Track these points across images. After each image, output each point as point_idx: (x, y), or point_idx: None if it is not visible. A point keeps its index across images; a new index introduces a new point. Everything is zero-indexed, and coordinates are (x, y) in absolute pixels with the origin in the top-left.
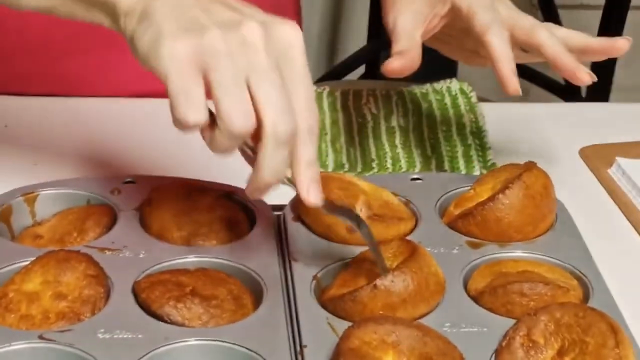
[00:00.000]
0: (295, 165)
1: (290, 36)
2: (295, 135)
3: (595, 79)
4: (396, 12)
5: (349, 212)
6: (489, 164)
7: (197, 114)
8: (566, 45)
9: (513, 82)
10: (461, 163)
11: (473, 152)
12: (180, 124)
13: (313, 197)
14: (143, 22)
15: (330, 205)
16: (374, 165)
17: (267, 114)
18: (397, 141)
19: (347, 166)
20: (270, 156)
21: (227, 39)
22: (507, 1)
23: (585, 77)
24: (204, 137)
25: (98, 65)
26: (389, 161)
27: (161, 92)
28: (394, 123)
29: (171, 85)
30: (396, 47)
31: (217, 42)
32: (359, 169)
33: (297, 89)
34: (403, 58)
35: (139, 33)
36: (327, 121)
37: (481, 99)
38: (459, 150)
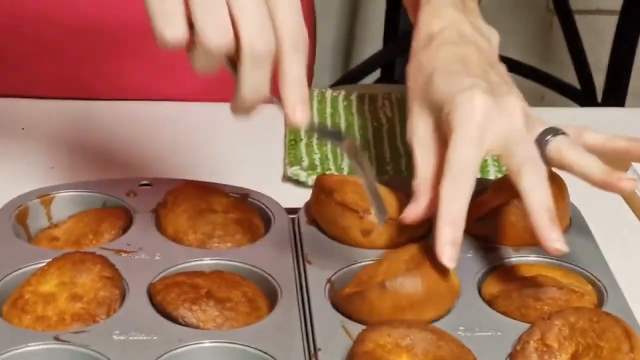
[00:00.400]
0: (281, 83)
1: None
2: (279, 53)
3: None
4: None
5: (338, 135)
6: (503, 167)
7: (174, 30)
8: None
9: (551, 238)
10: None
11: (488, 156)
12: (159, 41)
13: (299, 116)
14: None
15: (319, 127)
16: (389, 169)
17: (243, 30)
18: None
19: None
20: (249, 75)
21: None
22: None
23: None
24: (188, 55)
25: (113, 70)
26: (404, 165)
27: (176, 96)
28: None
29: (150, 3)
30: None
31: None
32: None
33: (279, 3)
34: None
35: None
36: (343, 124)
37: None
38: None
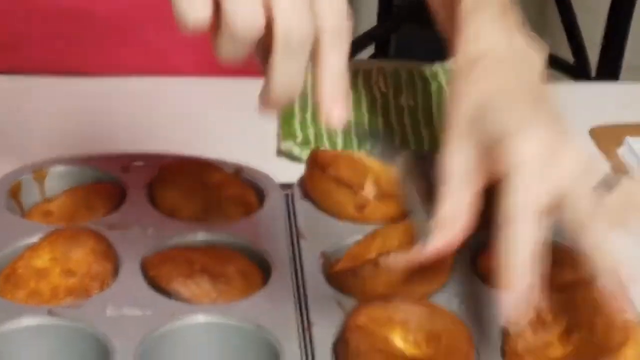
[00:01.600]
0: (317, 76)
1: None
2: (319, 41)
3: None
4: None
5: (376, 133)
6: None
7: (198, 11)
8: None
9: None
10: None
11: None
12: (180, 23)
13: (336, 116)
14: None
15: (365, 132)
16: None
17: (279, 13)
18: (406, 121)
19: (355, 144)
20: (281, 65)
21: None
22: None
23: None
24: (211, 41)
25: (106, 49)
26: (399, 140)
27: (169, 71)
28: (403, 102)
29: None
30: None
31: None
32: (367, 147)
33: None
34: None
35: None
36: None
37: None
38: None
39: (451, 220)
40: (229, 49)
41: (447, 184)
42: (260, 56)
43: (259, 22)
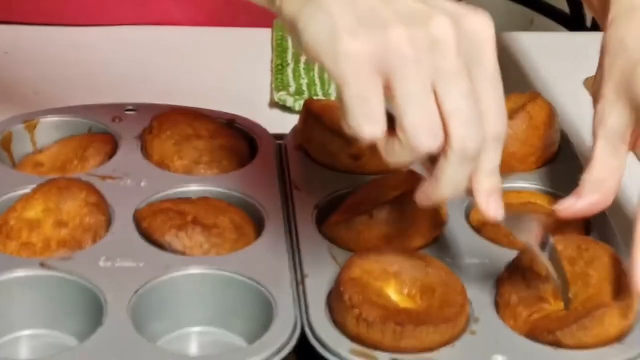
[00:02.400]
0: (477, 174)
1: (482, 32)
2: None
3: None
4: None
5: (533, 224)
6: None
7: (374, 126)
8: None
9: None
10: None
11: None
12: (354, 132)
13: (493, 209)
14: (309, 5)
15: (512, 218)
16: None
17: (456, 127)
18: None
19: None
20: (454, 172)
21: (414, 39)
22: None
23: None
24: (378, 145)
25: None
26: None
27: (162, 21)
28: None
29: (348, 90)
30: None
31: (403, 43)
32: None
33: (487, 92)
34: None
35: (306, 19)
36: None
37: None
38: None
39: (601, 184)
40: (404, 159)
41: (597, 142)
42: (425, 158)
43: (441, 139)
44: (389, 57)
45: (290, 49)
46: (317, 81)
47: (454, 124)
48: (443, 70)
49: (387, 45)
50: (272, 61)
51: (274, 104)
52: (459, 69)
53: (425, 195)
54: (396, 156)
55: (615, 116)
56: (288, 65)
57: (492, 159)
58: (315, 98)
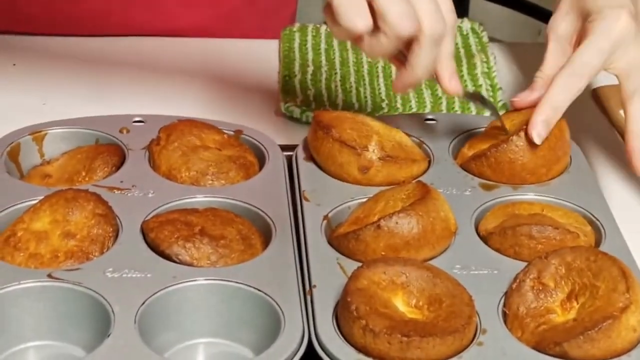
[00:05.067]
0: (440, 59)
1: None
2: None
3: None
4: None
5: (478, 96)
6: (499, 104)
7: (364, 21)
8: None
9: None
10: (472, 104)
11: (484, 93)
12: (347, 30)
13: (454, 86)
14: None
15: (464, 93)
16: (383, 105)
17: (426, 17)
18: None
19: (356, 106)
20: (426, 54)
21: None
22: None
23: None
24: (361, 43)
25: (105, 5)
26: (399, 101)
27: (167, 31)
28: None
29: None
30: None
31: None
32: (368, 109)
33: None
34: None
35: None
36: (337, 60)
37: (492, 39)
38: (470, 90)
39: (542, 82)
40: (388, 48)
41: (548, 45)
42: (403, 46)
43: (418, 24)
44: None
45: (298, 60)
46: (324, 92)
47: (425, 14)
48: None
49: None
50: (279, 72)
51: (281, 115)
52: None
53: (402, 82)
54: (381, 47)
55: (566, 23)
56: (295, 76)
57: (450, 44)
58: (323, 109)
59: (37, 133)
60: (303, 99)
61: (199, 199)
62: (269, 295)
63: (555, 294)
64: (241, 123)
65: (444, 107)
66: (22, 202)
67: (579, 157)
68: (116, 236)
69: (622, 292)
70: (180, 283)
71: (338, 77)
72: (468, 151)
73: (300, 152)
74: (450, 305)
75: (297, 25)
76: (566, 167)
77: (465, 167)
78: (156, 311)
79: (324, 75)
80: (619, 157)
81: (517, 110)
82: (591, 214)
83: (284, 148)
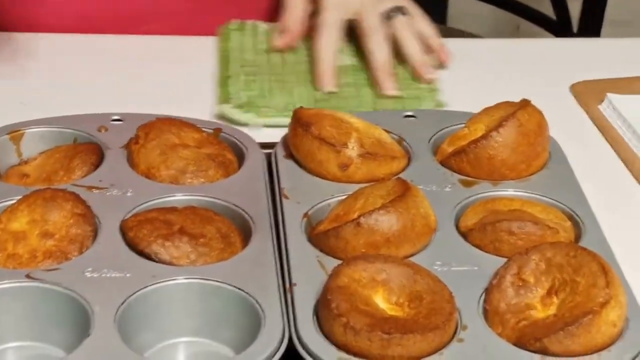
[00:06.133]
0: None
1: None
2: None
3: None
4: None
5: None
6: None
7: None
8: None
9: (387, 87)
10: (408, 104)
11: (423, 93)
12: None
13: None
14: None
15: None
16: (322, 104)
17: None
18: (347, 80)
19: (291, 107)
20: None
21: None
22: None
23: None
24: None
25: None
26: (338, 100)
27: (148, 31)
28: (345, 61)
29: None
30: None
31: None
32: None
33: None
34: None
35: None
36: (276, 60)
37: (473, 35)
38: (409, 91)
39: (293, 25)
40: None
41: (289, 4)
42: None
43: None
44: None
45: (236, 60)
46: (262, 93)
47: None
48: None
49: None
50: (218, 73)
51: (221, 118)
52: None
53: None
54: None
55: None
56: (232, 77)
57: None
58: (261, 110)
59: (14, 132)
60: (241, 100)
61: (178, 198)
62: (249, 294)
63: (535, 290)
64: (219, 121)
65: (382, 106)
66: None
67: (559, 153)
68: (95, 236)
69: (602, 287)
70: (160, 282)
71: (277, 77)
72: (448, 147)
73: (279, 150)
74: (430, 302)
75: (235, 24)
76: (546, 163)
77: (445, 163)
78: (136, 311)
79: (262, 76)
80: (598, 152)
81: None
82: (571, 210)
83: (263, 146)
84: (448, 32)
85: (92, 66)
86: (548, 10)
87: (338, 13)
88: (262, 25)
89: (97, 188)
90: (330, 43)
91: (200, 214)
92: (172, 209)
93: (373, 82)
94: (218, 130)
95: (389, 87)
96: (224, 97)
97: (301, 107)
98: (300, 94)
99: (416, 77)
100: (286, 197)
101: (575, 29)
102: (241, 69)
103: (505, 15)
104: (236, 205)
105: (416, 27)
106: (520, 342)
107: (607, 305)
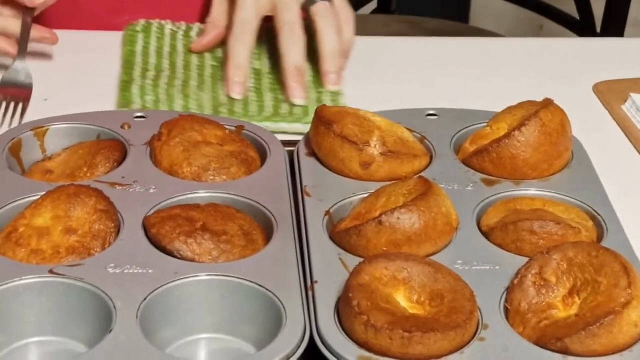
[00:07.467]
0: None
1: None
2: None
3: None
4: None
5: None
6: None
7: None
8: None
9: (295, 95)
10: (311, 109)
11: (326, 99)
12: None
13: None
14: None
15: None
16: (222, 110)
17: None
18: (249, 85)
19: (194, 111)
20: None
21: None
22: None
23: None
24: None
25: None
26: (240, 106)
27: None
28: (254, 65)
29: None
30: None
31: None
32: (207, 113)
33: None
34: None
35: None
36: (180, 64)
37: (495, 35)
38: (312, 96)
39: (212, 25)
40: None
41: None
42: None
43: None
44: None
45: (139, 64)
46: (163, 97)
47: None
48: None
49: None
50: (119, 77)
51: None
52: None
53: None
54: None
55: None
56: (134, 81)
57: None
58: (326, 105)
59: (38, 129)
60: (141, 105)
61: (201, 195)
62: (270, 291)
63: (557, 290)
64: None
65: (285, 111)
66: (23, 198)
67: (581, 152)
68: (118, 232)
69: (624, 288)
70: (182, 279)
71: (180, 82)
72: (470, 146)
73: (302, 148)
74: (452, 301)
75: (141, 24)
76: (568, 163)
77: (467, 162)
78: (158, 307)
79: (164, 80)
80: (621, 152)
81: (195, 51)
82: (593, 209)
83: (285, 143)
84: (471, 31)
85: (116, 63)
86: (571, 10)
87: (253, 11)
88: (168, 26)
89: (120, 185)
90: (242, 45)
91: (223, 212)
92: (195, 206)
93: (282, 85)
94: (240, 128)
95: (297, 96)
96: (124, 102)
97: (324, 105)
98: (199, 99)
99: (321, 81)
100: (308, 195)
101: (598, 28)
102: (143, 74)
103: (528, 14)
104: (258, 203)
105: (337, 19)
106: (541, 342)
107: (629, 305)
